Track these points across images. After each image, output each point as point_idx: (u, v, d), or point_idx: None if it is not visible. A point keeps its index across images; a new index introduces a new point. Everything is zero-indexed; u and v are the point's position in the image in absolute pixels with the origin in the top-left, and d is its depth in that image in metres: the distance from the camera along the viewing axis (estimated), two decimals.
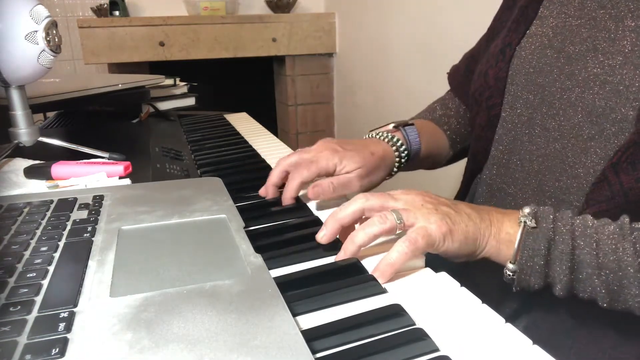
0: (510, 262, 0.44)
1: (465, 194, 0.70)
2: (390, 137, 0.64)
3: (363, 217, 0.46)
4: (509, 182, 0.60)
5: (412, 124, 0.68)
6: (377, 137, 0.64)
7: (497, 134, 0.61)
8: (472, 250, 0.44)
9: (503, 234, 0.45)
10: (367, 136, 0.66)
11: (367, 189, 0.59)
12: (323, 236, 0.44)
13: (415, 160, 0.67)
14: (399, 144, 0.63)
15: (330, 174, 0.58)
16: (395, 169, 0.64)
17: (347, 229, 0.46)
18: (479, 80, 0.63)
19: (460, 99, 0.77)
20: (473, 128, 0.66)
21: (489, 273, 0.49)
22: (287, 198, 0.56)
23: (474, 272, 0.54)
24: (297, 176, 0.56)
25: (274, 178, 0.58)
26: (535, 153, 0.56)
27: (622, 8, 0.50)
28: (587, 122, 0.51)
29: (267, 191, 0.59)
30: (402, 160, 0.64)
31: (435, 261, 0.44)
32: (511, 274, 0.44)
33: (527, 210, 0.44)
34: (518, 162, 0.59)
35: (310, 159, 0.57)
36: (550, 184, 0.55)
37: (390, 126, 0.67)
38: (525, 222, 0.44)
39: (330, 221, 0.45)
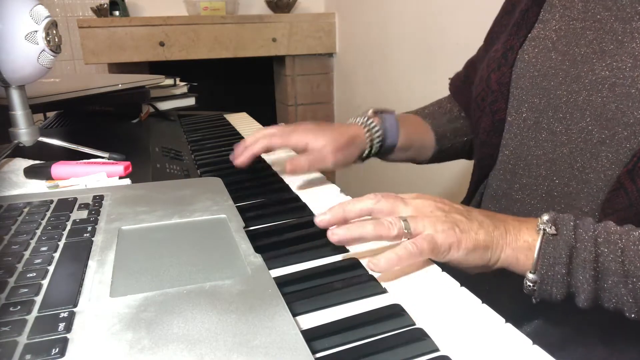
0: (530, 271, 0.42)
1: (470, 199, 0.69)
2: (365, 120, 0.67)
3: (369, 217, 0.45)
4: (516, 188, 0.59)
5: (392, 112, 0.71)
6: (354, 121, 0.68)
7: (504, 139, 0.60)
8: (485, 260, 0.43)
9: (520, 242, 0.43)
10: (350, 120, 0.70)
11: (342, 164, 0.63)
12: (322, 220, 0.44)
13: (393, 148, 0.70)
14: (372, 125, 0.67)
15: (300, 150, 0.62)
16: (368, 150, 0.67)
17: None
18: (480, 85, 0.62)
19: (459, 103, 0.77)
20: (477, 134, 0.65)
21: (504, 286, 0.48)
22: (249, 150, 0.62)
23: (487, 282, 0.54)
24: (266, 140, 0.62)
25: (248, 140, 0.63)
26: (542, 158, 0.55)
27: (629, 10, 0.49)
28: (597, 125, 0.50)
29: (236, 149, 0.64)
30: (375, 143, 0.67)
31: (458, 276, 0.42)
32: (532, 284, 0.42)
33: (545, 217, 0.42)
34: (525, 167, 0.58)
35: (284, 132, 0.62)
36: (559, 189, 0.54)
37: (370, 112, 0.70)
38: (544, 229, 0.42)
39: (336, 209, 0.44)
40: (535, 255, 0.42)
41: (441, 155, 0.77)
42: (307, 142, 0.61)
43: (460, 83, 0.77)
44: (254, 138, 0.63)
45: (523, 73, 0.57)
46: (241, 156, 0.62)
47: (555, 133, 0.54)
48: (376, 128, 0.67)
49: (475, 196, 0.68)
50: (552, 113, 0.54)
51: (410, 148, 0.73)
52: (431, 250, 0.41)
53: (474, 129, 0.68)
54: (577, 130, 0.52)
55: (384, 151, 0.70)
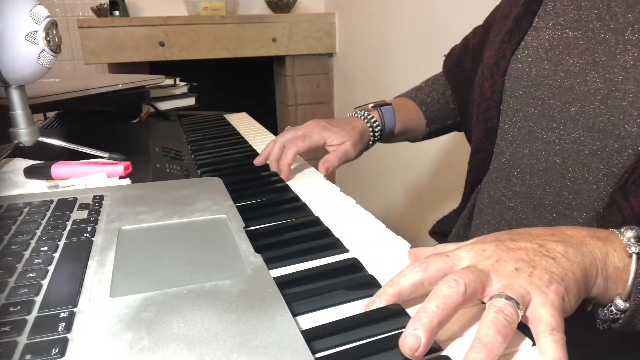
0: (621, 298, 0.37)
1: (465, 203, 0.70)
2: (366, 115, 0.75)
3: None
4: (510, 195, 0.59)
5: (389, 104, 0.78)
6: (356, 115, 0.75)
7: (499, 147, 0.61)
8: (583, 297, 0.36)
9: (611, 270, 0.37)
10: (350, 114, 0.77)
11: (358, 155, 0.72)
12: (369, 303, 0.36)
13: (391, 135, 0.78)
14: (372, 120, 0.75)
15: (320, 147, 0.69)
16: (370, 142, 0.75)
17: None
18: (476, 92, 0.63)
19: (450, 83, 0.82)
20: (472, 139, 0.66)
21: None
22: (284, 164, 0.65)
23: None
24: (293, 146, 0.66)
25: (274, 153, 0.67)
26: (535, 167, 0.56)
27: (622, 20, 0.48)
28: (589, 137, 0.49)
29: (270, 164, 0.67)
30: (376, 135, 0.75)
31: None
32: (619, 312, 0.37)
33: (629, 233, 0.38)
34: (519, 175, 0.58)
35: (303, 134, 0.68)
36: (551, 199, 0.54)
37: (370, 106, 0.77)
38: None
39: (387, 289, 0.35)
40: (630, 282, 0.37)
41: (431, 135, 0.86)
42: (325, 140, 0.68)
43: (453, 66, 0.80)
44: (278, 149, 0.67)
45: (516, 82, 0.57)
46: (283, 172, 0.66)
47: (548, 142, 0.54)
48: (377, 122, 0.75)
49: (470, 200, 0.68)
50: (546, 123, 0.54)
51: (405, 133, 0.81)
52: (562, 323, 0.31)
53: (470, 134, 0.69)
54: (569, 141, 0.52)
55: (382, 139, 0.78)
